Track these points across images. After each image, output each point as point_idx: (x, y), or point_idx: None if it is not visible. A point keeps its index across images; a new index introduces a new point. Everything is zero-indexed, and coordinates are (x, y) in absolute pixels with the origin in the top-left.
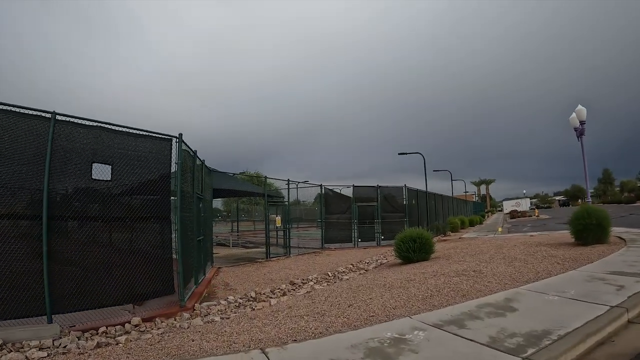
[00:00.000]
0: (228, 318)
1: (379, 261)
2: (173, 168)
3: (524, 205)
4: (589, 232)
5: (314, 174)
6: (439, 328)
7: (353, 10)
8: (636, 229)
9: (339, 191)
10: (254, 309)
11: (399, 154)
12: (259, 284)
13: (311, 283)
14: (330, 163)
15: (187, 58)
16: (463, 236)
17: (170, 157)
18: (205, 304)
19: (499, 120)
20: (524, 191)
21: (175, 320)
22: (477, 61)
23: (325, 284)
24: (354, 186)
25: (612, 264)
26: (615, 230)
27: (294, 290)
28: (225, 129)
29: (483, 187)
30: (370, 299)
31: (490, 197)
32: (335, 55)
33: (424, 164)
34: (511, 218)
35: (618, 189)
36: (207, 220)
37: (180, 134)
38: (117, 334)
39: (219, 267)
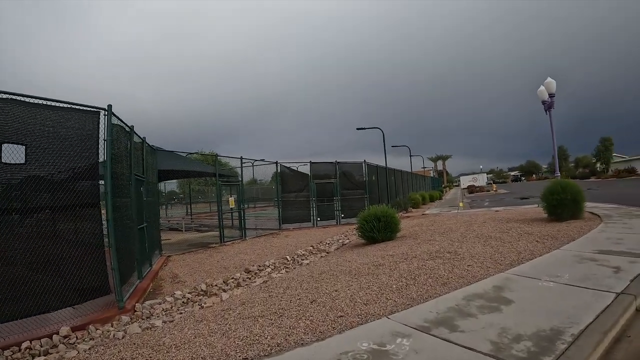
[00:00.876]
0: (172, 321)
1: (340, 241)
2: (103, 147)
3: (481, 180)
4: (564, 207)
5: (274, 154)
6: (426, 332)
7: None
8: (600, 203)
9: (296, 169)
10: (202, 307)
11: (357, 129)
12: (211, 273)
13: (268, 270)
14: (290, 144)
15: (143, 43)
16: (426, 212)
17: (99, 133)
18: (148, 302)
19: (456, 99)
20: (481, 167)
21: (112, 326)
22: (437, 44)
23: (284, 271)
24: (311, 163)
25: (596, 241)
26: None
27: (250, 279)
28: (182, 112)
29: (440, 163)
30: (336, 291)
31: (447, 172)
32: (296, 38)
33: (383, 139)
34: (469, 193)
35: (573, 164)
36: (151, 205)
37: (110, 105)
38: (42, 349)
39: (168, 256)
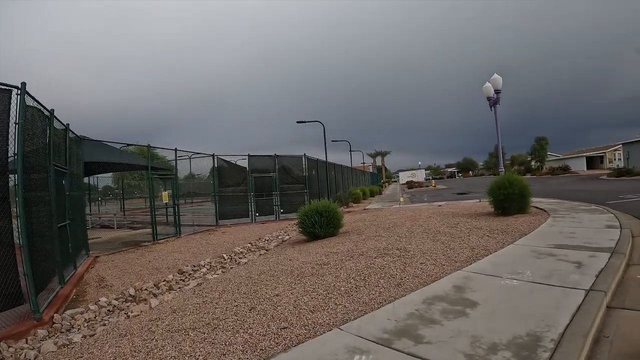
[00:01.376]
0: (93, 335)
1: (280, 237)
2: (13, 131)
3: (420, 176)
4: (511, 201)
5: (215, 148)
6: (388, 346)
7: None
8: (543, 198)
9: (234, 162)
10: (129, 316)
11: (297, 122)
12: (142, 275)
13: (204, 270)
14: (231, 137)
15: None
16: (367, 207)
17: (9, 115)
18: (69, 312)
19: (395, 96)
20: (419, 163)
21: (26, 342)
22: (378, 40)
23: (220, 271)
24: (249, 156)
25: (549, 235)
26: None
27: (183, 281)
28: (118, 103)
29: (379, 159)
30: (278, 295)
31: (385, 168)
32: (239, 32)
33: (324, 132)
34: (409, 188)
35: (509, 162)
36: (76, 200)
37: (24, 84)
38: None
39: (96, 257)
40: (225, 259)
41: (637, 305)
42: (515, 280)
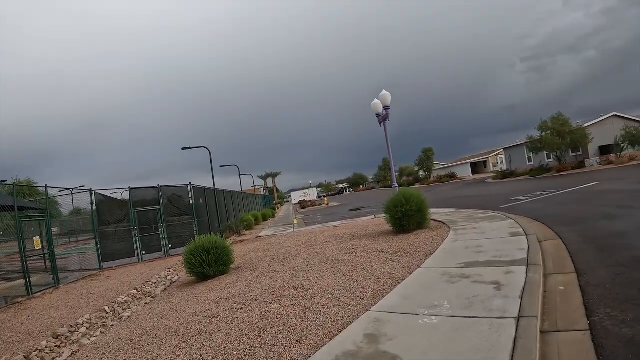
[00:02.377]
0: None
1: (169, 278)
2: None
3: (312, 194)
4: (410, 218)
5: (99, 178)
6: None
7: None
8: (437, 208)
9: (118, 196)
10: None
11: (182, 148)
12: (12, 343)
13: (82, 330)
14: (116, 166)
15: None
16: (260, 234)
17: None
18: None
19: (285, 116)
20: (310, 181)
21: None
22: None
23: (99, 332)
24: (130, 188)
25: (456, 253)
26: None
27: (59, 347)
28: None
29: (270, 181)
30: None
31: (277, 189)
32: (120, 54)
33: (210, 158)
34: (302, 208)
35: (398, 173)
36: None
37: None
38: None
39: None
40: (107, 313)
41: (570, 324)
42: (434, 317)
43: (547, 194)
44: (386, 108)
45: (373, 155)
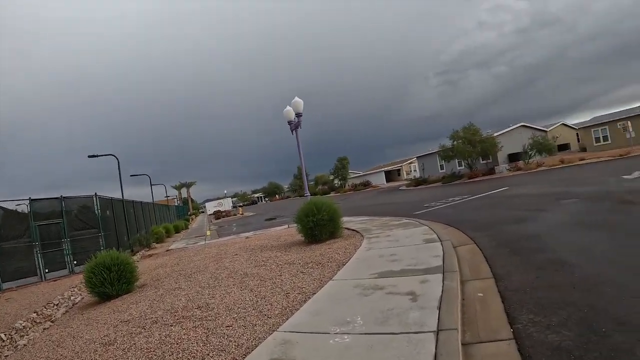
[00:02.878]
0: None
1: (72, 299)
2: None
3: (226, 204)
4: (322, 227)
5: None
6: None
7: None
8: (351, 216)
9: (14, 209)
10: None
11: (89, 156)
12: None
13: None
14: (25, 175)
15: None
16: (171, 247)
17: None
18: None
19: (200, 126)
20: (225, 191)
21: None
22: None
23: None
24: (30, 200)
25: (369, 262)
26: None
27: None
28: None
29: (184, 191)
30: None
31: (192, 199)
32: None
33: (118, 167)
34: (216, 219)
35: (313, 182)
36: None
37: None
38: None
39: None
40: (3, 341)
41: (493, 334)
42: (346, 336)
43: (460, 199)
44: (298, 115)
45: (289, 164)
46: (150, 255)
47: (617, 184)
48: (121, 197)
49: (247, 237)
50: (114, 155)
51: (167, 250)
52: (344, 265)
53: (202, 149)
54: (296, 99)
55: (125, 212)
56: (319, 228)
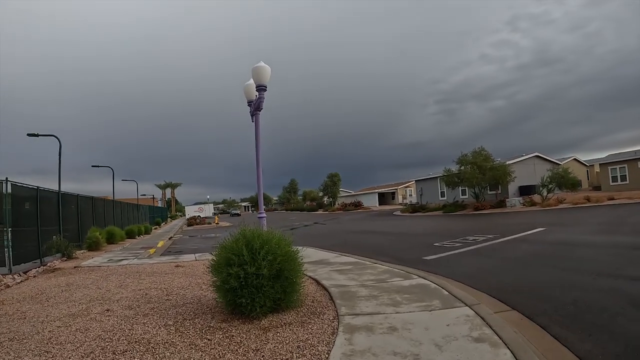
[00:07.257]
0: None
1: None
2: None
3: (208, 210)
4: (257, 291)
5: None
6: None
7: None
8: (329, 252)
9: None
10: None
11: (28, 134)
12: None
13: None
14: None
15: None
16: (88, 262)
17: None
18: None
19: (191, 128)
20: (208, 197)
21: None
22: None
23: None
24: None
25: None
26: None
27: None
28: None
29: (169, 191)
30: None
31: (176, 201)
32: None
33: (60, 151)
34: (188, 225)
35: (301, 197)
36: None
37: None
38: None
39: None
40: None
41: None
42: None
43: (483, 240)
44: (261, 88)
45: (284, 178)
46: (54, 270)
47: None
48: (58, 189)
49: (177, 265)
50: (55, 136)
51: (75, 267)
52: None
53: (202, 150)
54: (261, 63)
55: (61, 207)
56: (251, 290)
